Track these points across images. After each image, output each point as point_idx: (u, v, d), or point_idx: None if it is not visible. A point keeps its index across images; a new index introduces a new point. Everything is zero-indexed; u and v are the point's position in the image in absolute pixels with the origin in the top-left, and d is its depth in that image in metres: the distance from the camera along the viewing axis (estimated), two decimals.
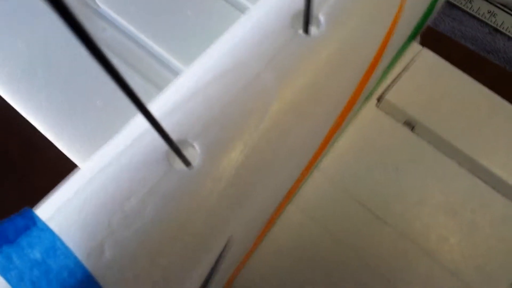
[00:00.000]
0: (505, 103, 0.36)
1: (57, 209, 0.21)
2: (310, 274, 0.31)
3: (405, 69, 0.36)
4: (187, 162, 0.22)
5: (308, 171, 0.28)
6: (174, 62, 0.38)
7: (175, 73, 0.38)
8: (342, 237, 0.32)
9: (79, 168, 0.24)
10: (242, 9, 0.40)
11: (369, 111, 0.35)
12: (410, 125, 0.35)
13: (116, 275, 0.20)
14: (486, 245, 0.32)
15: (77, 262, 0.20)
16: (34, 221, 0.20)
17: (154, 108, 0.25)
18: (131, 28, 0.39)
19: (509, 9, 0.58)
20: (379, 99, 0.35)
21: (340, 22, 0.26)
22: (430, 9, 0.32)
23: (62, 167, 0.37)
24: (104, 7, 0.40)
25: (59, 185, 0.23)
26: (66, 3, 0.11)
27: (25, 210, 0.21)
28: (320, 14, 0.26)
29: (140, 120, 0.25)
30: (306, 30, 0.25)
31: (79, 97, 0.36)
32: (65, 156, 0.35)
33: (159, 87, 0.37)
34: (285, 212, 0.31)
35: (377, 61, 0.28)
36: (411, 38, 0.34)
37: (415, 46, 0.37)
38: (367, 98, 0.34)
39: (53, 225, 0.20)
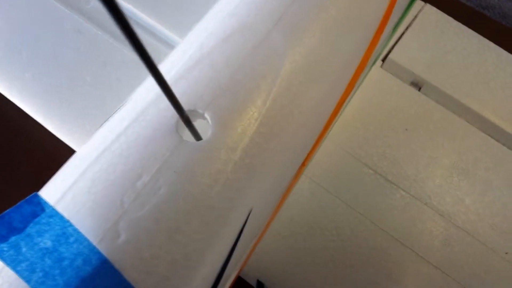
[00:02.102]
0: (510, 56, 0.35)
1: (64, 192, 0.20)
2: (323, 242, 0.30)
3: (408, 26, 0.35)
4: (197, 134, 0.21)
5: (324, 134, 0.27)
6: (167, 33, 0.36)
7: (168, 45, 0.36)
8: (354, 203, 0.31)
9: (83, 146, 0.22)
10: None
11: (374, 74, 0.33)
12: (417, 85, 0.34)
13: (133, 257, 0.19)
14: (501, 203, 0.31)
15: (91, 248, 0.19)
16: (42, 206, 0.19)
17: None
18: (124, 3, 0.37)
19: None
20: (383, 60, 0.34)
21: None
22: None
23: (53, 149, 0.35)
24: None
25: (63, 166, 0.22)
26: None
27: (32, 196, 0.19)
28: None
29: (142, 92, 0.23)
30: None
31: (66, 75, 0.34)
32: (55, 137, 0.34)
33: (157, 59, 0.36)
34: (297, 182, 0.30)
35: (386, 20, 0.27)
36: None
37: (417, 3, 0.36)
38: (375, 60, 0.33)
39: (62, 209, 0.19)
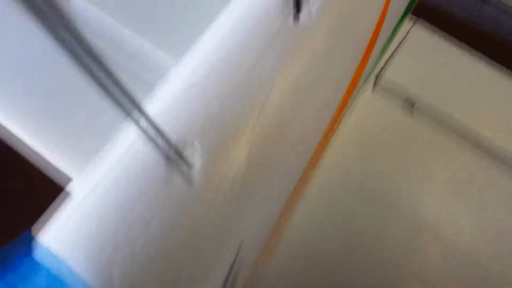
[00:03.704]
0: (502, 72, 0.35)
1: (57, 231, 0.19)
2: (324, 266, 0.30)
3: (399, 44, 0.35)
4: (188, 164, 0.21)
5: (317, 160, 0.27)
6: (160, 53, 0.36)
7: (161, 65, 0.36)
8: (352, 227, 0.31)
9: (73, 182, 0.22)
10: None
11: (368, 94, 0.33)
12: (410, 102, 0.34)
13: None
14: (496, 220, 0.31)
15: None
16: (36, 247, 0.19)
17: (148, 106, 0.23)
18: (111, 21, 0.37)
19: None
20: (376, 78, 0.34)
21: (333, 4, 0.25)
22: None
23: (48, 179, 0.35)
24: (79, 2, 0.37)
25: (55, 202, 0.22)
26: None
27: (25, 235, 0.19)
28: None
29: (132, 124, 0.23)
30: (297, 13, 0.24)
31: (62, 104, 0.34)
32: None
33: (146, 82, 0.35)
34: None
35: (374, 41, 0.27)
36: (405, 14, 0.33)
37: (408, 21, 0.36)
38: (366, 79, 0.33)
39: (55, 249, 0.19)
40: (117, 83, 0.14)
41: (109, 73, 0.13)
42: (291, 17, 0.24)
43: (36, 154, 0.33)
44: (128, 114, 0.16)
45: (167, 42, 0.35)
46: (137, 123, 0.17)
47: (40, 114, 0.34)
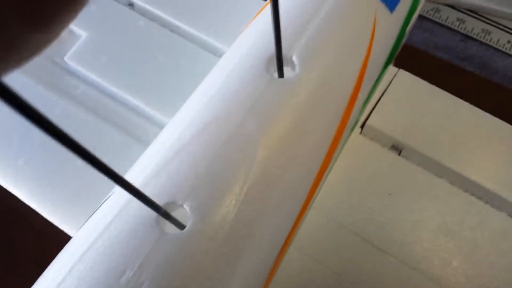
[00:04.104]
0: (486, 115, 0.36)
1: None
2: None
3: (384, 93, 0.36)
4: (179, 225, 0.22)
5: (304, 212, 0.27)
6: (151, 112, 0.37)
7: (154, 122, 0.37)
8: (344, 272, 0.31)
9: (68, 243, 0.23)
10: (213, 51, 0.40)
11: (354, 140, 0.34)
12: (397, 149, 0.35)
13: None
14: (488, 262, 0.31)
15: None
16: None
17: (138, 170, 0.24)
18: (104, 83, 0.38)
19: (478, 14, 0.58)
20: (362, 126, 0.35)
21: (314, 62, 0.26)
22: (402, 35, 0.32)
23: (48, 232, 0.36)
24: (73, 64, 0.39)
25: (50, 264, 0.22)
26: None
27: None
28: (294, 56, 0.26)
29: (120, 191, 0.24)
30: (280, 73, 0.25)
31: (57, 160, 0.36)
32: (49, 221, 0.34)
33: (139, 139, 0.37)
34: (286, 254, 0.31)
35: (357, 93, 0.28)
36: (387, 64, 0.34)
37: (391, 69, 0.37)
38: (351, 130, 0.34)
39: None
40: (96, 161, 0.15)
41: (86, 154, 0.14)
42: (275, 74, 0.25)
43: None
44: (114, 183, 0.17)
45: (157, 99, 0.37)
46: (125, 190, 0.18)
47: (34, 171, 0.35)
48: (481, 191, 0.33)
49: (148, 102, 0.37)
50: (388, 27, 0.30)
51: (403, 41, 0.34)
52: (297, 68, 0.25)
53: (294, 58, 0.25)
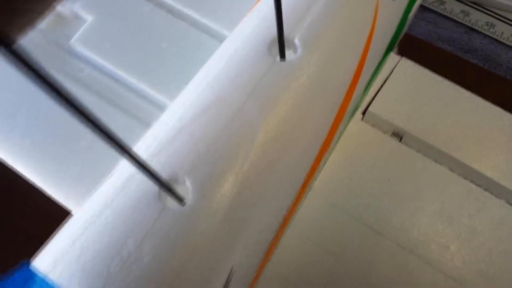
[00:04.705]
0: (487, 104, 0.36)
1: (54, 260, 0.21)
2: None
3: (385, 80, 0.36)
4: (179, 199, 0.22)
5: (303, 193, 0.28)
6: (155, 95, 0.37)
7: (157, 106, 0.38)
8: (342, 255, 0.31)
9: (73, 216, 0.23)
10: (216, 36, 0.40)
11: (355, 126, 0.35)
12: (398, 135, 0.35)
13: None
14: (486, 248, 0.32)
15: None
16: (33, 277, 0.20)
17: (141, 148, 0.25)
18: (108, 66, 0.39)
19: (482, 7, 0.58)
20: (363, 113, 0.35)
21: (316, 45, 0.26)
22: (403, 21, 0.32)
23: (51, 211, 0.37)
24: (78, 48, 0.40)
25: (54, 234, 0.23)
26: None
27: (24, 266, 0.20)
28: (296, 39, 0.26)
29: (126, 163, 0.25)
30: (282, 56, 0.25)
31: (62, 139, 0.36)
32: (52, 200, 0.35)
33: (143, 121, 0.37)
34: (283, 237, 0.31)
35: (357, 78, 0.28)
36: (389, 50, 0.34)
37: (393, 57, 0.37)
38: (352, 114, 0.34)
39: (52, 279, 0.20)
40: (105, 131, 0.15)
41: (95, 123, 0.15)
42: (277, 56, 0.25)
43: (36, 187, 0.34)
44: (121, 154, 0.17)
45: (160, 83, 0.37)
46: (130, 163, 0.19)
47: (39, 150, 0.35)
48: (480, 178, 0.34)
49: (151, 85, 0.37)
50: (390, 12, 0.30)
51: (405, 28, 0.34)
52: (299, 50, 0.26)
53: (296, 41, 0.26)
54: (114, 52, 0.39)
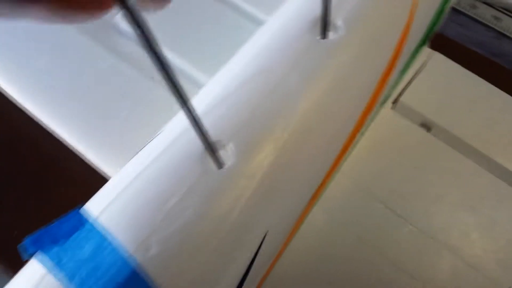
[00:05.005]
0: None
1: (102, 209, 0.22)
2: (335, 272, 0.32)
3: (418, 72, 0.37)
4: (221, 162, 0.23)
5: (334, 169, 0.29)
6: (193, 72, 0.39)
7: (194, 83, 0.39)
8: (365, 235, 0.33)
9: (121, 171, 0.25)
10: (256, 22, 0.41)
11: (385, 114, 0.36)
12: (426, 127, 0.36)
13: (160, 270, 0.21)
14: (506, 239, 0.33)
15: (124, 260, 0.21)
16: (82, 221, 0.22)
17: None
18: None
19: None
20: (394, 102, 0.36)
21: (357, 27, 0.28)
22: (440, 13, 0.33)
23: (88, 179, 0.38)
24: (122, 25, 0.41)
25: (104, 185, 0.24)
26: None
27: (75, 211, 0.22)
28: (338, 19, 0.27)
29: (173, 125, 0.26)
30: (324, 35, 0.27)
31: (103, 108, 0.38)
32: (90, 168, 0.37)
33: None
34: (310, 213, 0.32)
35: (393, 64, 0.30)
36: (423, 42, 0.35)
37: (427, 51, 0.38)
38: (384, 102, 0.35)
39: (100, 225, 0.21)
40: (172, 79, 0.17)
41: (167, 69, 0.16)
42: (319, 36, 0.27)
43: (79, 152, 0.36)
44: (181, 106, 0.18)
45: (201, 62, 0.39)
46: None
47: (82, 114, 0.37)
48: (505, 173, 0.35)
49: (190, 63, 0.39)
50: (428, 2, 0.31)
51: (440, 22, 0.35)
52: (340, 31, 0.27)
53: (339, 22, 0.27)
54: (155, 29, 0.40)
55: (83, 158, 0.37)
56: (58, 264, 0.21)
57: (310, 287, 0.32)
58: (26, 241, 0.21)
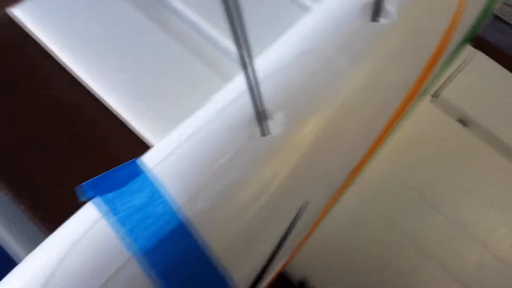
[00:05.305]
0: None
1: (157, 163, 0.24)
2: (363, 253, 0.33)
3: (459, 69, 0.38)
4: (268, 130, 0.25)
5: (373, 152, 0.30)
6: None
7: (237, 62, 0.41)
8: (395, 221, 0.34)
9: (177, 129, 0.26)
10: (304, 8, 0.43)
11: (425, 107, 0.37)
12: (464, 122, 0.37)
13: (206, 224, 0.23)
14: None
15: (174, 211, 0.22)
16: (139, 171, 0.23)
17: (238, 82, 0.27)
18: (198, 21, 0.42)
19: None
20: (434, 96, 0.37)
21: (408, 14, 0.29)
22: (486, 11, 0.34)
23: (130, 147, 0.40)
24: (172, 2, 0.43)
25: (160, 141, 0.26)
26: None
27: (132, 161, 0.23)
28: (390, 5, 0.28)
29: (225, 93, 0.27)
30: (375, 19, 0.28)
31: (150, 80, 0.39)
32: (133, 137, 0.38)
33: (222, 75, 0.40)
34: (344, 195, 0.33)
35: (439, 53, 0.30)
36: (466, 40, 0.36)
37: (469, 49, 0.39)
38: (423, 94, 0.36)
39: (154, 176, 0.23)
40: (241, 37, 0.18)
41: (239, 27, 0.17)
42: (370, 19, 0.28)
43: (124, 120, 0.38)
44: (242, 66, 0.20)
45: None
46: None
47: (130, 84, 0.39)
48: None
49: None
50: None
51: (486, 20, 0.35)
52: (391, 16, 0.28)
53: (390, 7, 0.28)
54: (204, 8, 0.42)
55: (128, 126, 0.38)
56: (113, 209, 0.23)
57: (338, 264, 0.33)
58: (84, 185, 0.23)
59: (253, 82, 0.21)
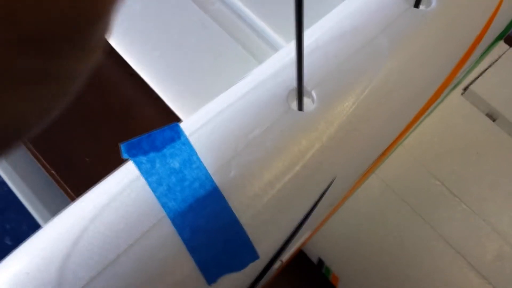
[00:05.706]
0: None
1: (195, 129, 0.25)
2: (384, 236, 0.34)
3: (492, 64, 0.38)
4: (304, 105, 0.25)
5: (401, 137, 0.31)
6: (273, 35, 0.41)
7: (272, 46, 0.42)
8: (418, 208, 0.34)
9: (215, 99, 0.27)
10: None
11: (455, 99, 0.37)
12: (492, 117, 0.37)
13: (238, 191, 0.23)
14: None
15: (208, 176, 0.23)
16: (179, 135, 0.24)
17: (276, 58, 0.28)
18: (237, 3, 0.43)
19: None
20: (465, 89, 0.37)
21: (449, 3, 0.29)
22: None
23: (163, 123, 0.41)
24: None
25: (198, 110, 0.27)
26: None
27: (174, 124, 0.24)
28: None
29: (262, 70, 0.28)
30: (417, 4, 0.28)
31: (188, 60, 0.40)
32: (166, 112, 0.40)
33: (257, 58, 0.41)
34: (368, 180, 0.34)
35: (476, 45, 0.31)
36: (500, 36, 0.36)
37: (502, 46, 0.39)
38: (454, 87, 0.37)
39: (192, 141, 0.24)
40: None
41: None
42: (412, 5, 0.28)
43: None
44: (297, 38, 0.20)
45: (282, 26, 0.41)
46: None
47: (166, 61, 0.40)
48: None
49: (271, 26, 0.41)
50: None
51: None
52: (433, 4, 0.28)
53: None
54: None
55: (162, 102, 0.40)
56: (152, 168, 0.24)
57: (355, 247, 0.34)
58: (127, 143, 0.24)
59: (301, 52, 0.22)
